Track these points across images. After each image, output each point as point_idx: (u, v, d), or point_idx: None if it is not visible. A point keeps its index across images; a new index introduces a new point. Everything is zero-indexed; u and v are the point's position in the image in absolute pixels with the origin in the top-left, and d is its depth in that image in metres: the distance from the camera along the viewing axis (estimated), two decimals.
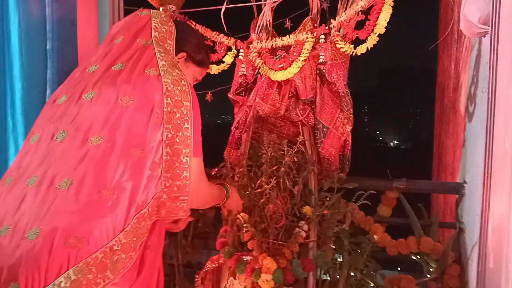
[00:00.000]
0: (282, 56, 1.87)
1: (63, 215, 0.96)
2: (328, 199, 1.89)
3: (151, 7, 1.97)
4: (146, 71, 1.13)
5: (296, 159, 1.85)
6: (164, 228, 1.25)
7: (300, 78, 1.87)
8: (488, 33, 1.43)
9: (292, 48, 1.89)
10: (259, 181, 1.86)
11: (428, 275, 1.87)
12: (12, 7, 1.54)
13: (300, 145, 1.88)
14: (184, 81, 1.15)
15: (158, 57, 1.17)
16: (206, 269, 1.97)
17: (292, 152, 1.84)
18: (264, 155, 1.86)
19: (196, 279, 2.00)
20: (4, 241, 0.96)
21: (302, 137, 1.90)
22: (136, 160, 1.03)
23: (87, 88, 1.14)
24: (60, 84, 1.63)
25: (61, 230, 0.94)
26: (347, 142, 2.00)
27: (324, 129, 1.95)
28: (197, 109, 1.17)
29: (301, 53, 1.81)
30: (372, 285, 1.92)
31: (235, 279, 1.91)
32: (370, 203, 1.94)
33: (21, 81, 1.58)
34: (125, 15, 1.97)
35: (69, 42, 1.70)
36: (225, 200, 1.49)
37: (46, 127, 1.12)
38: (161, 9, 1.91)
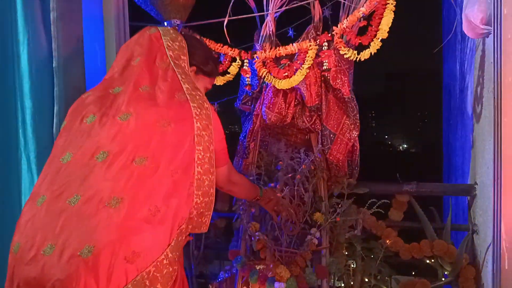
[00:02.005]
0: (287, 64, 1.89)
1: (118, 231, 0.99)
2: (339, 206, 1.88)
3: (155, 21, 2.00)
4: (175, 96, 1.20)
5: (312, 167, 1.87)
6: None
7: (305, 86, 1.88)
8: (491, 33, 1.43)
9: (296, 56, 1.91)
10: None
11: (443, 279, 1.85)
12: (21, 28, 1.57)
13: (309, 152, 1.89)
14: (207, 104, 1.23)
15: (181, 80, 1.24)
16: (219, 279, 1.97)
17: (308, 160, 1.85)
18: (280, 162, 1.88)
19: None
20: (52, 259, 0.97)
21: (319, 145, 1.92)
22: (177, 179, 1.11)
23: (121, 109, 1.16)
24: (67, 101, 1.67)
25: (118, 245, 0.98)
26: (355, 148, 2.00)
27: (331, 136, 1.95)
28: (218, 122, 1.28)
29: (305, 61, 1.83)
30: None
31: None
32: (381, 210, 1.93)
33: (31, 98, 1.61)
34: (130, 31, 2.01)
35: (75, 59, 1.72)
36: (259, 197, 1.67)
37: (80, 147, 1.13)
38: (165, 23, 1.94)
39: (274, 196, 1.76)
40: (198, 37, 1.59)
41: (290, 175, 1.86)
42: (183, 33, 1.47)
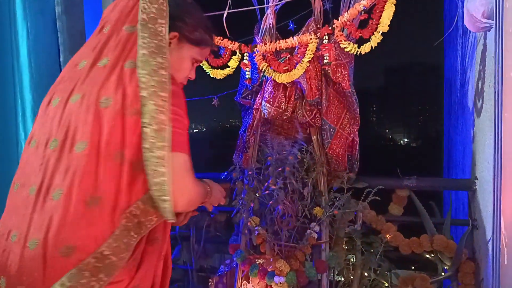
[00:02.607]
0: (287, 58, 1.88)
1: (55, 225, 0.99)
2: (338, 199, 1.88)
3: None
4: (125, 66, 1.07)
5: (299, 158, 1.85)
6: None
7: (305, 80, 1.88)
8: (492, 27, 1.42)
9: (296, 49, 1.90)
10: (266, 183, 1.87)
11: (443, 273, 1.85)
12: (19, 20, 1.57)
13: (307, 146, 1.88)
14: (165, 71, 1.05)
15: (140, 45, 1.08)
16: (219, 273, 1.98)
17: (296, 150, 1.84)
18: (269, 158, 1.87)
19: (210, 283, 2.01)
20: (14, 247, 1.01)
21: (313, 138, 1.91)
22: (118, 163, 1.01)
23: (75, 90, 1.10)
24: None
25: (54, 240, 0.98)
26: (355, 142, 2.00)
27: (331, 130, 1.95)
28: (181, 101, 1.09)
29: (306, 54, 1.82)
30: (386, 284, 1.91)
31: (248, 282, 1.91)
32: (381, 202, 1.93)
33: (31, 91, 1.61)
34: None
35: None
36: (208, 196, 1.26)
37: (41, 133, 1.12)
38: None
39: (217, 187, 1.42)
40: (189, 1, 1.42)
41: (280, 169, 1.85)
42: None
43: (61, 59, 1.65)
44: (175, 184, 1.01)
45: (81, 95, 1.08)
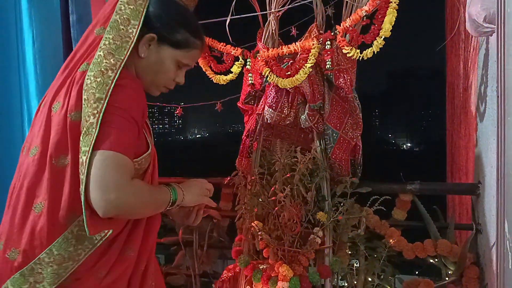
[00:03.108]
0: (289, 63, 1.89)
1: (6, 228, 1.04)
2: (342, 204, 1.88)
3: None
4: (78, 68, 1.04)
5: (310, 166, 1.86)
6: (153, 228, 1.13)
7: (308, 85, 1.88)
8: (494, 31, 1.43)
9: (298, 55, 1.90)
10: (272, 189, 1.87)
11: (447, 278, 1.84)
12: (26, 27, 1.59)
13: (307, 152, 1.88)
14: (112, 72, 0.99)
15: (100, 47, 1.03)
16: (222, 279, 1.98)
17: (306, 159, 1.85)
18: (277, 162, 1.87)
19: None
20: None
21: (316, 143, 1.91)
22: (62, 168, 0.98)
23: (46, 96, 1.11)
24: None
25: (4, 242, 1.03)
26: (358, 147, 2.00)
27: (334, 135, 1.95)
28: (129, 99, 1.00)
29: (308, 59, 1.82)
30: None
31: (251, 287, 1.91)
32: (384, 208, 1.92)
33: (38, 98, 1.62)
34: None
35: None
36: (169, 204, 1.11)
37: (30, 140, 1.12)
38: None
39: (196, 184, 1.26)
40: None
41: (288, 175, 1.85)
42: None
43: None
44: (95, 185, 0.90)
45: (45, 100, 1.10)
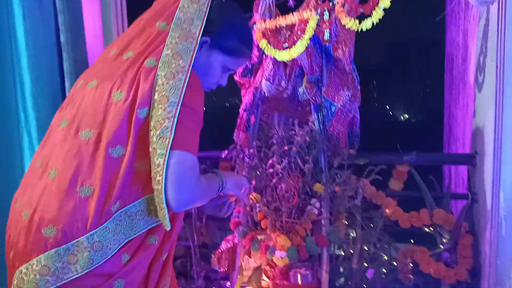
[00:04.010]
0: (287, 35, 1.86)
1: (44, 203, 1.01)
2: (339, 176, 1.90)
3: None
4: (145, 61, 1.05)
5: (307, 139, 1.86)
6: (177, 218, 1.14)
7: (305, 57, 1.86)
8: (495, 0, 1.40)
9: (296, 26, 1.87)
10: (270, 161, 1.88)
11: (442, 246, 1.88)
12: (16, 2, 1.55)
13: (311, 124, 1.89)
14: (182, 74, 1.03)
15: (167, 45, 1.06)
16: (221, 249, 2.02)
17: (303, 132, 1.85)
18: (275, 135, 1.88)
19: (212, 259, 2.05)
20: (15, 214, 1.07)
21: (314, 116, 1.90)
22: (117, 158, 1.01)
23: (93, 76, 1.11)
24: (77, 75, 1.67)
25: (40, 217, 1.00)
26: (355, 119, 2.00)
27: (332, 107, 1.95)
28: (197, 102, 1.06)
29: (306, 31, 1.80)
30: (385, 258, 1.95)
31: (250, 257, 1.95)
32: (381, 178, 1.94)
33: (30, 74, 1.60)
34: (127, 5, 1.98)
35: (79, 33, 1.71)
36: (220, 189, 1.22)
37: (59, 113, 1.14)
38: None
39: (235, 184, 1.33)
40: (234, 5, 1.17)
41: (286, 148, 1.86)
42: None
43: (61, 40, 1.63)
44: (173, 185, 0.97)
45: (97, 82, 1.08)
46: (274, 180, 1.87)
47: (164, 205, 0.98)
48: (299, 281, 1.85)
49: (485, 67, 1.78)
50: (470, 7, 2.18)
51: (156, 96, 1.00)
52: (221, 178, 1.21)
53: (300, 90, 1.96)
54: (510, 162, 1.30)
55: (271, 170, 1.87)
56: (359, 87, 1.95)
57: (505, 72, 1.35)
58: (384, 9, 1.57)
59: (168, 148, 0.97)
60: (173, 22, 1.09)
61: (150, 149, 0.99)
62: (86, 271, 0.98)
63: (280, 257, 1.80)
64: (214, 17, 1.12)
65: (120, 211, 1.01)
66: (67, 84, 1.67)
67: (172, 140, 0.97)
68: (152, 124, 1.00)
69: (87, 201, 0.99)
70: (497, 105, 1.40)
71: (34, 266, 0.98)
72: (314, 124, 1.96)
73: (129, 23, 2.06)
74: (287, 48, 1.84)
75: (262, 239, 1.91)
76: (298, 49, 1.80)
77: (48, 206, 1.00)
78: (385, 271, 1.94)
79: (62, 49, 1.65)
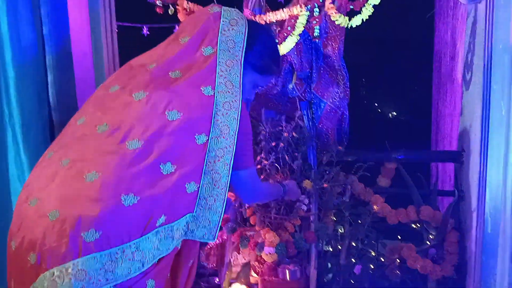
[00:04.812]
0: (277, 31, 1.85)
1: (84, 206, 0.98)
2: (327, 172, 1.90)
3: None
4: (201, 88, 1.11)
5: (294, 134, 1.86)
6: None
7: (295, 53, 1.86)
8: None
9: (286, 22, 1.87)
10: (258, 158, 1.87)
11: (428, 242, 1.90)
12: None
13: (298, 120, 1.88)
14: (237, 104, 1.13)
15: (218, 73, 1.13)
16: (210, 245, 2.01)
17: (291, 127, 1.85)
18: (262, 131, 1.87)
19: (201, 255, 2.04)
20: (31, 212, 1.01)
21: (303, 112, 1.90)
22: (166, 175, 1.04)
23: (139, 87, 1.12)
24: (61, 70, 1.63)
25: (79, 220, 0.96)
26: (344, 116, 2.01)
27: (321, 104, 1.95)
28: (247, 122, 1.19)
29: (296, 27, 1.79)
30: (373, 254, 1.96)
31: (239, 253, 1.95)
32: (369, 175, 1.95)
33: (14, 68, 1.57)
34: None
35: (64, 25, 1.68)
36: (282, 196, 1.61)
37: (93, 113, 1.13)
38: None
39: (294, 187, 1.71)
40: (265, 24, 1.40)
41: (274, 144, 1.86)
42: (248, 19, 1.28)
43: (44, 32, 1.59)
44: (247, 196, 1.36)
45: (146, 95, 1.10)
46: (262, 176, 1.87)
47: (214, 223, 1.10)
48: (288, 277, 1.86)
49: (473, 65, 1.79)
50: (458, 6, 2.20)
51: (217, 125, 1.10)
52: (285, 188, 1.59)
53: (290, 86, 1.96)
54: (497, 160, 1.31)
55: (259, 166, 1.86)
56: (348, 84, 1.96)
57: (492, 70, 1.36)
58: (374, 6, 1.58)
59: (230, 172, 1.11)
60: (217, 47, 1.15)
61: (207, 172, 1.08)
62: (120, 281, 0.97)
63: (268, 253, 1.81)
64: (249, 39, 1.19)
65: (164, 226, 1.03)
66: (49, 78, 1.62)
67: (236, 162, 1.12)
68: (213, 153, 1.09)
69: (131, 210, 0.98)
70: (484, 102, 1.42)
71: (69, 270, 0.93)
72: (303, 120, 1.96)
73: (118, 17, 2.04)
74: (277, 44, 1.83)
75: (251, 236, 1.91)
76: (288, 45, 1.80)
77: (86, 209, 0.97)
78: (372, 267, 1.95)
79: (45, 42, 1.61)
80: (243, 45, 1.17)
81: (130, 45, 2.44)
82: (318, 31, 1.79)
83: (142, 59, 1.21)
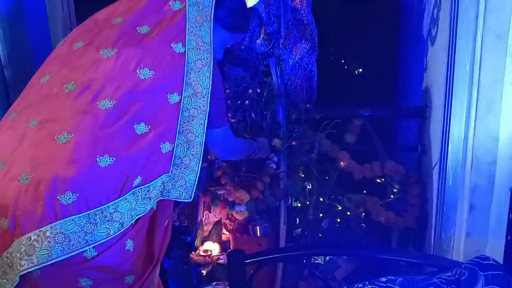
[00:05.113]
0: None
1: (58, 167, 0.95)
2: (296, 130, 1.91)
3: None
4: (172, 45, 1.08)
5: (259, 91, 1.84)
6: None
7: (263, 6, 1.80)
8: None
9: None
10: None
11: (392, 196, 1.97)
12: None
13: (265, 78, 1.86)
14: (209, 63, 1.11)
15: (188, 29, 1.10)
16: (181, 205, 2.01)
17: (255, 84, 1.82)
18: (226, 90, 1.84)
19: (173, 215, 2.04)
20: (23, 186, 0.96)
21: (273, 68, 1.87)
22: (140, 135, 1.02)
23: (107, 43, 1.07)
24: (12, 24, 1.51)
25: (54, 181, 0.93)
26: (313, 73, 1.99)
27: (290, 60, 1.92)
28: (219, 81, 1.18)
29: None
30: (339, 208, 2.03)
31: (210, 212, 1.97)
32: (336, 132, 1.97)
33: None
34: None
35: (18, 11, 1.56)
36: (255, 153, 1.63)
37: (58, 71, 1.08)
38: None
39: (265, 143, 1.76)
40: None
41: (239, 102, 1.84)
42: None
43: None
44: (222, 152, 1.40)
45: (116, 51, 1.06)
46: None
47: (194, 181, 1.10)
48: (258, 233, 1.90)
49: (439, 20, 1.79)
50: None
51: (190, 84, 1.08)
52: (257, 141, 1.65)
53: (258, 41, 1.91)
54: (459, 115, 1.34)
55: None
56: (316, 39, 1.92)
57: (458, 25, 1.36)
58: None
59: (204, 132, 1.10)
60: (186, 3, 1.11)
61: (182, 131, 1.07)
62: (100, 241, 0.96)
63: (239, 211, 1.83)
64: None
65: (141, 187, 1.01)
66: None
67: (210, 121, 1.11)
68: (187, 113, 1.08)
69: (107, 171, 0.96)
70: (449, 58, 1.43)
71: (47, 233, 0.91)
72: (267, 76, 1.94)
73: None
74: None
75: (221, 194, 1.92)
76: None
77: (61, 170, 0.94)
78: (339, 221, 2.02)
79: None
80: (213, 2, 1.14)
81: None
82: None
83: (106, 12, 1.15)
